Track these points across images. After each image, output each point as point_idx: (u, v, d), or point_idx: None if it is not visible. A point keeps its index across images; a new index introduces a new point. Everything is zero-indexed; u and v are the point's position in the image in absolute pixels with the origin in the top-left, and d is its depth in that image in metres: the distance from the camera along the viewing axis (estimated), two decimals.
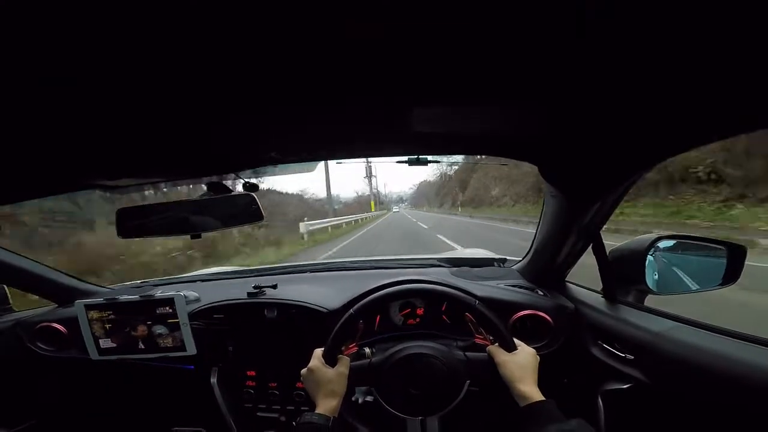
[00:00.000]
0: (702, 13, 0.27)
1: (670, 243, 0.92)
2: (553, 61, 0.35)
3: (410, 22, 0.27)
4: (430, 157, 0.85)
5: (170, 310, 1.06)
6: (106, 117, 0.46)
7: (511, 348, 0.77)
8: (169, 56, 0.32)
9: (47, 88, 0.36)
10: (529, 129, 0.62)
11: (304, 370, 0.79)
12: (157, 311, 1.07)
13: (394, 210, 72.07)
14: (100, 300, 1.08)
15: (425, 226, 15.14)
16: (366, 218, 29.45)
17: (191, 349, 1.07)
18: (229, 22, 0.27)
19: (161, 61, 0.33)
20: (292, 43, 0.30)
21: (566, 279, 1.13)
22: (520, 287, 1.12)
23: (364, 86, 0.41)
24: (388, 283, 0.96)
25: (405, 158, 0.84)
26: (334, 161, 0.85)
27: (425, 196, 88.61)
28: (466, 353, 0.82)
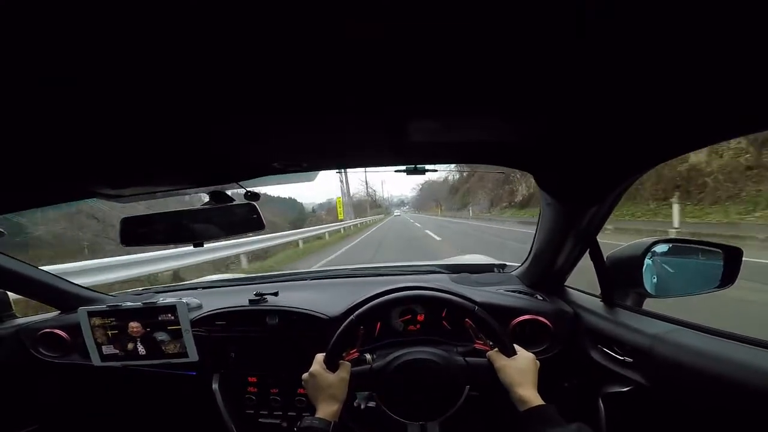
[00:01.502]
0: (697, 16, 0.27)
1: (668, 247, 0.93)
2: (550, 63, 0.36)
3: (409, 22, 0.28)
4: (428, 166, 0.87)
5: (172, 317, 1.07)
6: (107, 125, 0.46)
7: (510, 353, 0.77)
8: (168, 62, 0.32)
9: (46, 95, 0.37)
10: (525, 138, 0.63)
11: (305, 375, 0.79)
12: (160, 318, 1.08)
13: (395, 214, 68.51)
14: (103, 307, 1.09)
15: None
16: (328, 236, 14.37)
17: (193, 355, 1.08)
18: (230, 24, 0.27)
19: (161, 69, 0.33)
20: (291, 46, 0.31)
21: (565, 284, 1.13)
22: (520, 292, 1.13)
23: (364, 91, 0.41)
24: (388, 290, 0.97)
25: (403, 167, 0.86)
26: (334, 170, 0.86)
27: (432, 198, 77.76)
28: (467, 358, 0.83)
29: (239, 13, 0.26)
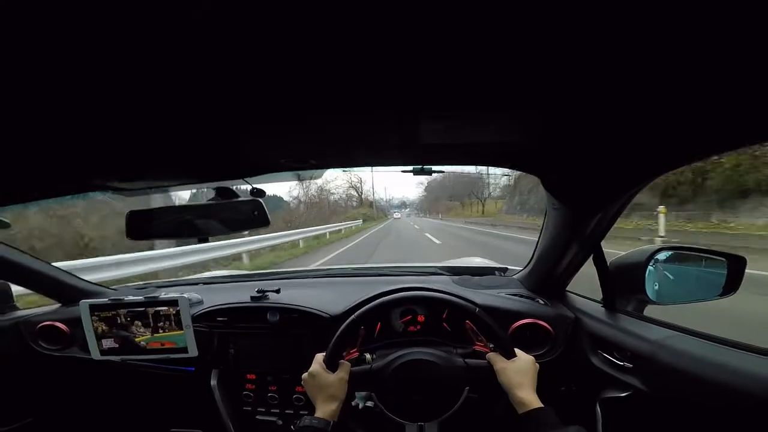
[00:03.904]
0: (712, 19, 0.27)
1: (670, 254, 0.93)
2: (557, 68, 0.36)
3: (415, 21, 0.28)
4: (434, 167, 0.87)
5: (174, 312, 1.07)
6: (117, 118, 0.47)
7: (510, 355, 0.77)
8: (177, 59, 0.33)
9: (57, 90, 0.37)
10: (533, 141, 0.63)
11: (305, 375, 0.80)
12: (161, 312, 1.08)
13: (395, 216, 58.43)
14: (104, 300, 1.09)
15: None
16: None
17: (193, 351, 1.08)
18: (236, 23, 0.28)
19: (170, 65, 0.34)
20: (298, 45, 0.31)
21: (567, 289, 1.13)
22: (521, 296, 1.13)
23: (371, 91, 0.41)
24: (390, 290, 0.97)
25: (410, 168, 0.86)
26: (340, 169, 0.86)
27: (447, 195, 60.22)
28: (466, 360, 0.83)
29: (245, 11, 0.26)
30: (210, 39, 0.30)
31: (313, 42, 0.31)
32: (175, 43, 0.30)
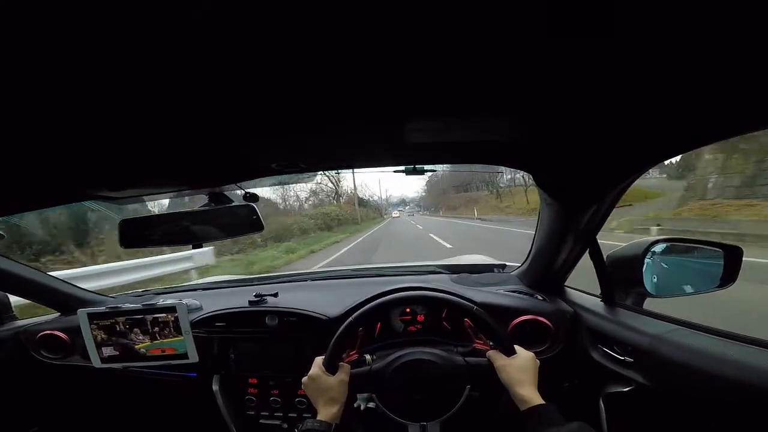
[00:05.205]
0: (698, 12, 0.27)
1: (667, 246, 0.93)
2: (548, 63, 0.35)
3: (406, 23, 0.28)
4: (426, 167, 0.87)
5: (172, 319, 1.07)
6: (106, 126, 0.46)
7: (509, 352, 0.77)
8: (168, 64, 0.32)
9: (46, 97, 0.37)
10: (523, 137, 0.63)
11: (305, 378, 0.79)
12: (160, 319, 1.08)
13: (393, 215, 50.73)
14: (102, 308, 1.09)
15: None
16: None
17: (193, 357, 1.08)
18: (227, 29, 0.28)
19: (160, 71, 0.33)
20: (289, 49, 0.31)
21: (565, 284, 1.13)
22: (520, 292, 1.13)
23: (362, 93, 0.41)
24: (388, 291, 0.97)
25: (402, 168, 0.86)
26: (333, 172, 0.86)
27: (460, 185, 50.23)
28: (466, 358, 0.83)
29: (245, 12, 0.26)
30: (209, 39, 0.30)
31: (311, 41, 0.31)
32: (174, 44, 0.30)
